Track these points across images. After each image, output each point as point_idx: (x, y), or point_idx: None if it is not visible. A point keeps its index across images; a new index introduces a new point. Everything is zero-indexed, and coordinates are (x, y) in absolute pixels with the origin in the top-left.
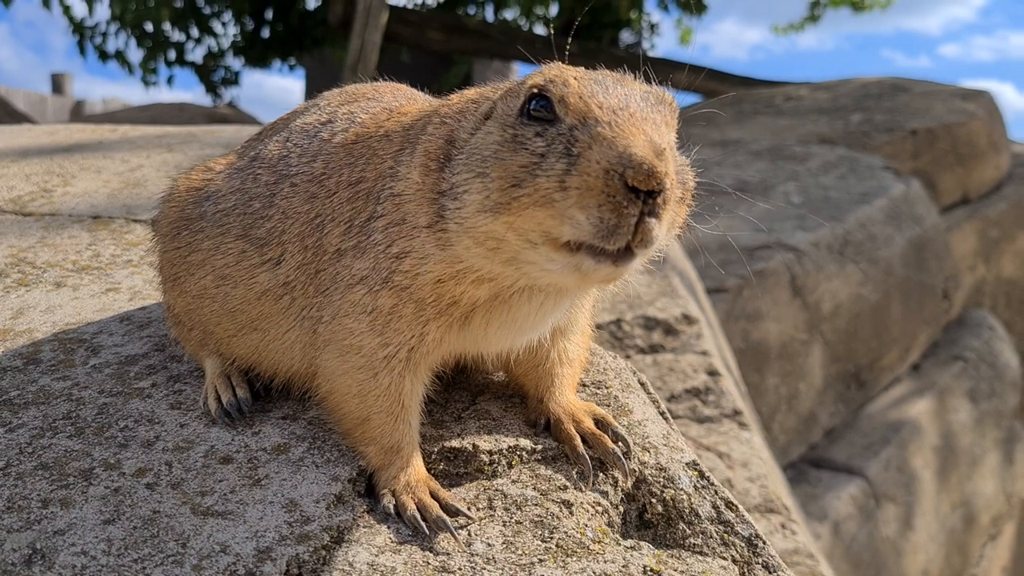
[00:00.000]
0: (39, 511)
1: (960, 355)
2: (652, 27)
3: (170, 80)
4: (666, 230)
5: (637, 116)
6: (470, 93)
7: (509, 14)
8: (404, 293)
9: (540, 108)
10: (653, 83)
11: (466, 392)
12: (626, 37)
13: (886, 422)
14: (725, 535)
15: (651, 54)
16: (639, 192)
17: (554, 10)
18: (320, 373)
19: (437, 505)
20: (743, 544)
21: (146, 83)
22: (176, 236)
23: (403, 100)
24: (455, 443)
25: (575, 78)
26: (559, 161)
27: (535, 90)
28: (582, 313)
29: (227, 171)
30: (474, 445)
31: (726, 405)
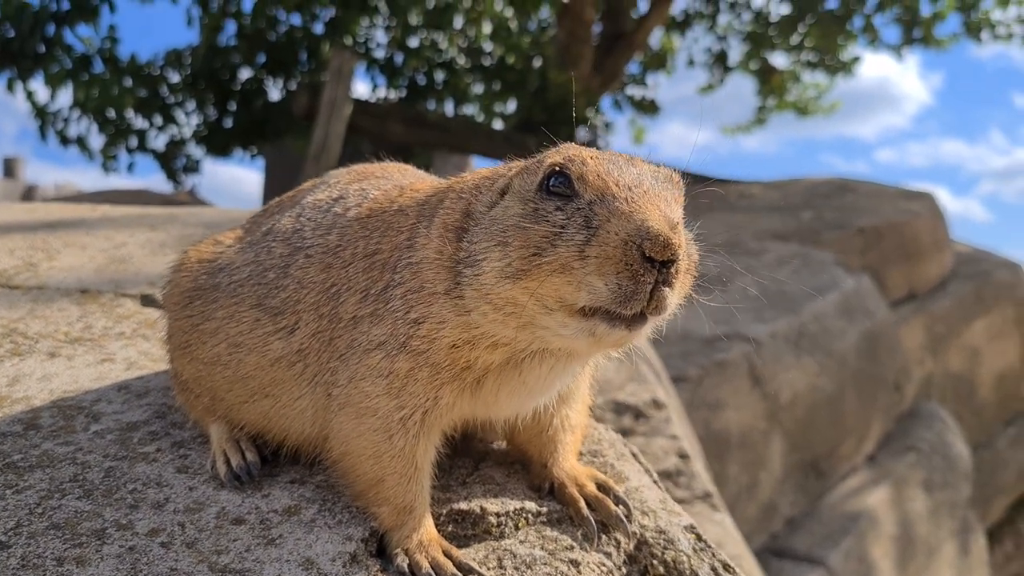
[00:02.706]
0: (55, 569)
1: (914, 446)
2: (607, 125)
3: (131, 166)
4: (677, 298)
5: (651, 193)
6: (483, 171)
7: (468, 109)
8: (421, 357)
9: (559, 184)
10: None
11: (468, 459)
12: (582, 135)
13: (845, 512)
14: None
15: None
16: (654, 262)
17: (511, 106)
18: (334, 436)
19: (451, 564)
20: None
21: (107, 169)
22: (188, 305)
23: (412, 178)
24: (463, 505)
25: (592, 157)
26: (579, 233)
27: (555, 168)
28: (583, 382)
29: (238, 244)
30: (481, 507)
31: (697, 487)
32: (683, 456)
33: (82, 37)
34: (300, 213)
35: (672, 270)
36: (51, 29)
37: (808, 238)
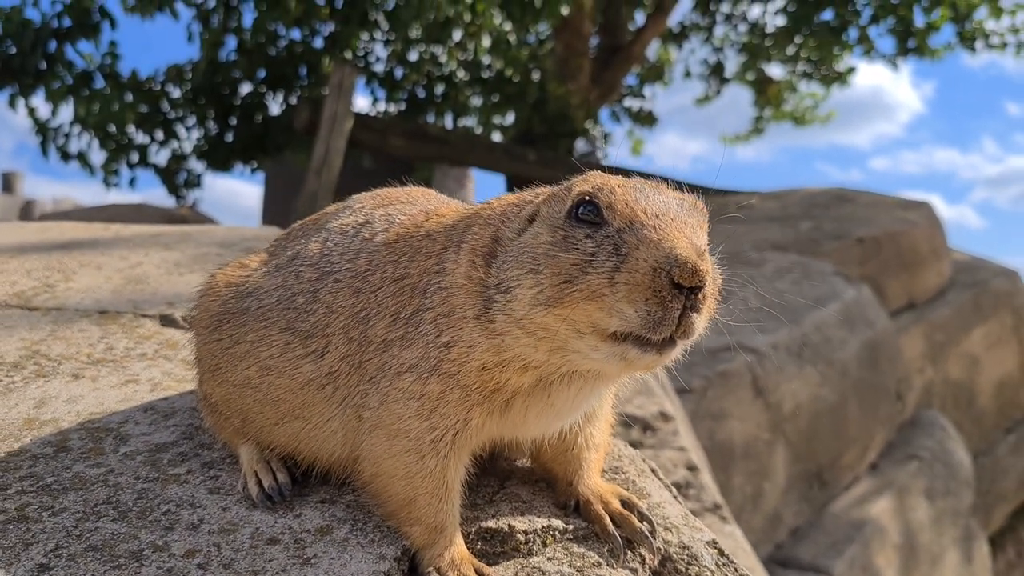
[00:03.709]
0: None
1: (915, 454)
2: (605, 137)
3: (132, 182)
4: (704, 322)
5: (678, 220)
6: (510, 197)
7: (468, 122)
8: (451, 380)
9: (588, 212)
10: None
11: (494, 478)
12: (581, 146)
13: (849, 521)
14: None
15: (604, 162)
16: (682, 288)
17: (511, 119)
18: (365, 457)
19: None
20: None
21: (108, 184)
22: (218, 328)
23: (437, 203)
24: (491, 524)
25: (620, 186)
26: (608, 260)
27: (584, 196)
28: (606, 402)
29: (265, 269)
30: (509, 525)
31: (707, 499)
32: (692, 468)
33: (83, 53)
34: (327, 238)
35: (699, 295)
36: (52, 45)
37: (807, 248)
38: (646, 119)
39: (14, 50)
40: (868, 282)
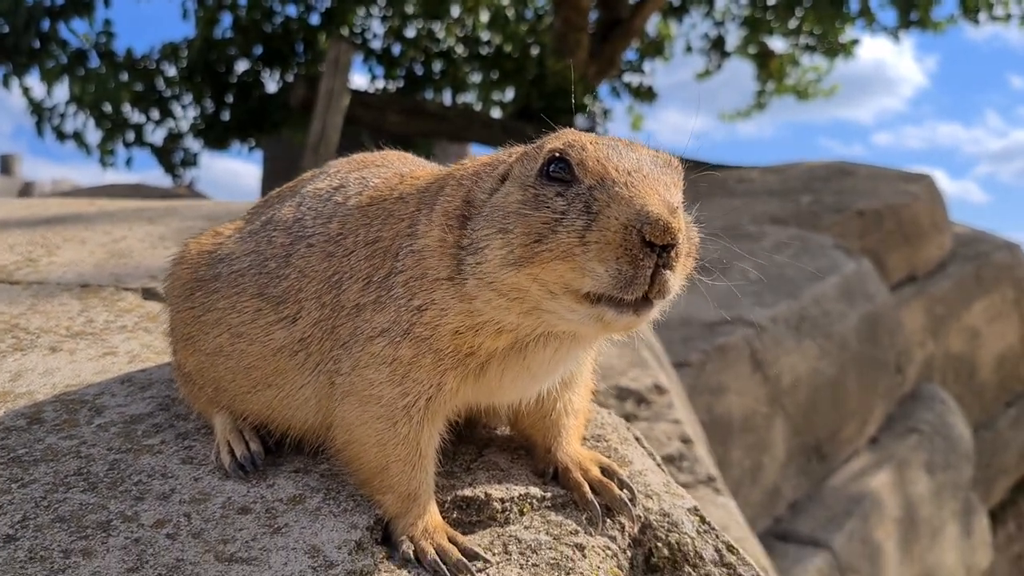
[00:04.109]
0: (61, 561)
1: (915, 428)
2: (605, 113)
3: (129, 161)
4: (679, 281)
5: (650, 177)
6: (483, 158)
7: (467, 98)
8: (424, 344)
9: (559, 170)
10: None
11: (472, 445)
12: (580, 122)
13: (848, 494)
14: None
15: None
16: (654, 246)
17: (509, 95)
18: (337, 424)
19: (456, 549)
20: None
21: (104, 164)
22: (190, 296)
23: (412, 166)
24: (467, 492)
25: (592, 143)
26: (579, 218)
27: (555, 154)
28: (586, 367)
29: (239, 235)
30: (486, 494)
31: (700, 471)
32: (686, 440)
33: (77, 32)
34: (301, 202)
35: (672, 254)
36: (46, 24)
37: (807, 222)
38: (646, 95)
39: (7, 29)
40: (869, 255)
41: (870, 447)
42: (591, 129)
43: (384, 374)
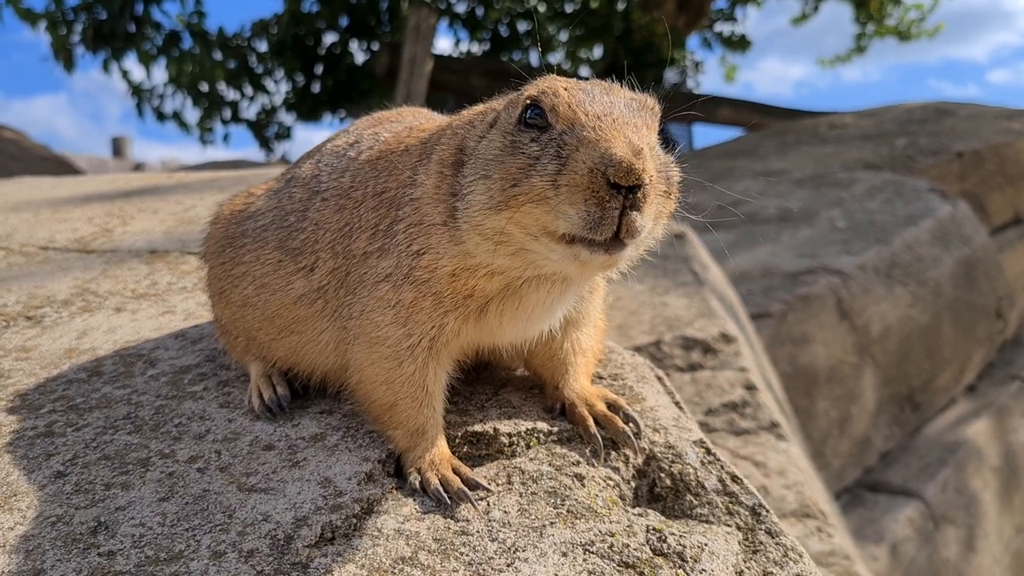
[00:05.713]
0: (102, 492)
1: (1018, 375)
2: (696, 65)
3: (226, 138)
4: (651, 222)
5: (619, 121)
6: (479, 107)
7: (554, 58)
8: (424, 287)
9: (535, 116)
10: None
11: (490, 385)
12: (670, 76)
13: (943, 444)
14: (730, 505)
15: (696, 91)
16: (620, 188)
17: (598, 52)
18: (351, 365)
19: (459, 479)
20: (747, 513)
21: (203, 141)
22: (221, 253)
23: (422, 120)
24: (478, 428)
25: (565, 89)
26: (551, 163)
27: (530, 101)
28: (593, 307)
29: (266, 193)
30: (495, 429)
31: (763, 418)
32: (750, 387)
33: (170, 14)
34: (319, 159)
35: (639, 195)
36: (140, 8)
37: (902, 166)
38: (739, 44)
39: (104, 15)
40: (968, 198)
41: (967, 395)
42: (682, 83)
43: (389, 316)
